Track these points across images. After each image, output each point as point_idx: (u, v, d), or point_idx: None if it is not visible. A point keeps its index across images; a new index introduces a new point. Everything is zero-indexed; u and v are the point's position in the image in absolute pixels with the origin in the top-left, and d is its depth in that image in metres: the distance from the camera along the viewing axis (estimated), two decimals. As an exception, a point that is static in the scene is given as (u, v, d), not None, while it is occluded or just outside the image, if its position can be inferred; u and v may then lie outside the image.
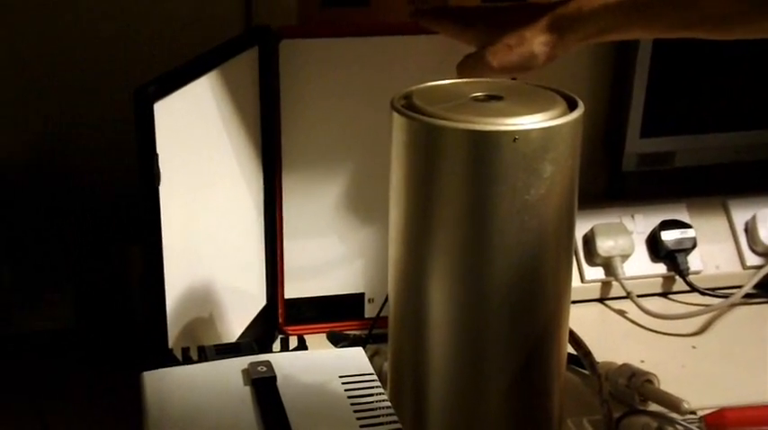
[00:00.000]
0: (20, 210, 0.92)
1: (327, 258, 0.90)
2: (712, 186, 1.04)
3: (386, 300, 0.79)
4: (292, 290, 0.90)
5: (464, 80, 0.63)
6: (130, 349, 0.83)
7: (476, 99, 0.59)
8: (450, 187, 0.57)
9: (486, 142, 0.55)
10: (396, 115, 0.58)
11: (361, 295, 0.92)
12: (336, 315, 0.91)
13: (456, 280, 0.60)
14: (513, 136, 0.54)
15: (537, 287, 0.61)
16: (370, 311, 0.91)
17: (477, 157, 0.55)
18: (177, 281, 0.71)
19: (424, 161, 0.57)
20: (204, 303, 0.77)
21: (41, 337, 0.89)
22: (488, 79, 0.63)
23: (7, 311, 0.88)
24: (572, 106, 0.59)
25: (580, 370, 0.86)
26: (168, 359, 0.60)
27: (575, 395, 0.82)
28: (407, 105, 0.58)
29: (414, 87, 0.61)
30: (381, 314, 0.84)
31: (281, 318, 0.89)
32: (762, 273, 0.97)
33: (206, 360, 0.59)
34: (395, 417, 0.53)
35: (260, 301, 0.88)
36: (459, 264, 0.59)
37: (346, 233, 0.89)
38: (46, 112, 0.92)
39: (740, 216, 1.02)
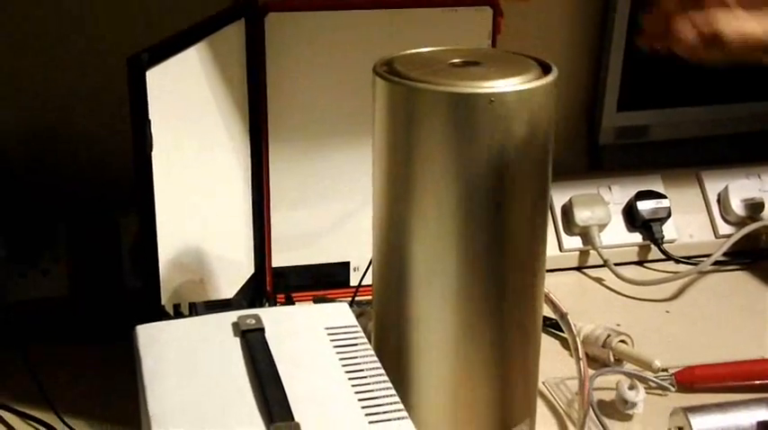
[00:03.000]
0: (14, 181, 0.94)
1: (314, 228, 0.92)
2: (686, 158, 1.07)
3: (369, 264, 0.82)
4: (280, 258, 0.92)
5: (443, 48, 0.66)
6: (122, 315, 0.85)
7: (454, 65, 0.62)
8: (430, 148, 0.59)
9: (464, 104, 0.58)
10: (378, 79, 0.61)
11: (347, 264, 0.94)
12: (323, 283, 0.93)
13: (436, 239, 0.62)
14: (490, 98, 0.57)
15: (514, 247, 0.63)
16: (355, 280, 0.93)
17: (456, 119, 0.58)
18: (168, 248, 0.73)
19: (405, 123, 0.60)
20: (194, 271, 0.79)
21: (35, 306, 0.91)
22: (467, 47, 0.65)
23: (2, 280, 0.90)
24: (547, 72, 0.62)
25: (558, 333, 0.89)
26: (160, 315, 0.63)
27: (552, 358, 0.85)
28: (389, 71, 0.61)
29: (395, 54, 0.64)
30: (366, 281, 0.87)
31: (269, 285, 0.92)
32: (732, 241, 1.01)
33: (197, 315, 0.61)
34: (379, 366, 0.56)
35: (248, 269, 0.91)
36: (438, 224, 0.61)
37: (332, 203, 0.91)
38: (39, 85, 0.93)
39: (713, 187, 1.05)
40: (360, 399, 0.52)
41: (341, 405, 0.52)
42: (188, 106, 0.75)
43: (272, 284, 0.92)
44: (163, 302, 0.68)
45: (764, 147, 1.05)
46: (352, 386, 0.53)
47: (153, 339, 0.57)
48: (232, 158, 0.85)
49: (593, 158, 1.10)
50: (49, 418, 0.76)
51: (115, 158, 0.92)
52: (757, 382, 0.80)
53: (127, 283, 0.91)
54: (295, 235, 0.92)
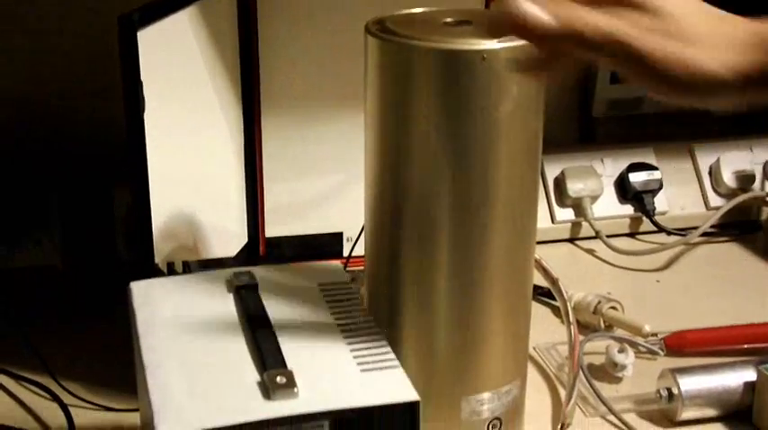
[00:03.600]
0: (6, 149, 0.94)
1: (307, 198, 0.93)
2: (679, 131, 1.08)
3: (361, 231, 0.82)
4: (273, 229, 0.92)
5: (436, 9, 0.66)
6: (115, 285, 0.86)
7: (446, 24, 0.62)
8: (423, 106, 0.60)
9: (457, 61, 0.58)
10: (370, 38, 0.61)
11: (340, 235, 0.95)
12: (316, 254, 0.93)
13: (428, 198, 0.63)
14: (482, 54, 0.57)
15: (505, 206, 0.64)
16: (348, 250, 0.94)
17: (448, 76, 0.58)
18: (160, 216, 0.73)
19: (397, 82, 0.60)
20: (187, 239, 0.80)
21: (27, 274, 0.92)
22: (458, 8, 0.65)
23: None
24: (538, 32, 0.62)
25: (549, 301, 0.90)
26: (154, 273, 0.63)
27: (543, 325, 0.86)
28: (381, 29, 0.61)
29: (388, 15, 0.64)
30: (358, 252, 0.88)
31: (262, 255, 0.92)
32: (721, 212, 1.01)
33: (190, 273, 0.62)
34: (371, 319, 0.56)
35: (241, 239, 0.91)
36: (431, 182, 0.62)
37: (326, 173, 0.92)
38: (29, 52, 0.94)
39: (705, 159, 1.06)
40: (352, 350, 0.53)
41: (333, 355, 0.52)
42: (180, 72, 0.75)
43: (265, 254, 0.92)
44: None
45: (756, 120, 1.05)
46: (345, 338, 0.54)
47: (147, 295, 0.58)
48: (224, 126, 0.85)
49: (586, 131, 1.10)
50: (46, 381, 0.76)
51: (108, 128, 0.92)
52: (746, 346, 0.80)
53: (120, 254, 0.92)
54: (288, 205, 0.92)
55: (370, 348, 0.53)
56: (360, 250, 0.87)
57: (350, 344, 0.53)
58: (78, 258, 0.91)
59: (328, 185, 0.92)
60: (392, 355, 0.52)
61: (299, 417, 0.47)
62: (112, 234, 0.92)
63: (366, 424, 0.49)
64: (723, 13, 0.49)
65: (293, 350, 0.51)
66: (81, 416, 0.72)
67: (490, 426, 0.70)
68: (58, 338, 0.82)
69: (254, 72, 0.86)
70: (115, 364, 0.77)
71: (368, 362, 0.52)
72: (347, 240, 0.95)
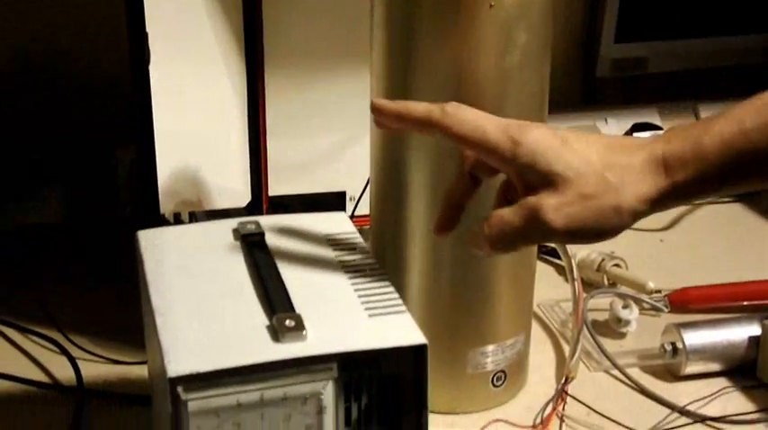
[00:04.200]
0: (11, 108, 0.94)
1: (310, 157, 0.92)
2: (683, 91, 1.08)
3: (366, 184, 0.82)
4: (276, 188, 0.92)
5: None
6: (119, 236, 0.86)
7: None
8: (430, 55, 0.60)
9: (464, 8, 0.58)
10: (377, -14, 0.61)
11: (343, 194, 0.94)
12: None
13: (434, 151, 0.63)
14: (489, 2, 0.57)
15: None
16: (351, 209, 0.94)
17: (456, 24, 0.58)
18: (165, 172, 0.73)
19: (404, 30, 0.60)
20: (191, 196, 0.80)
21: (32, 231, 0.92)
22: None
23: (1, 205, 0.91)
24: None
25: (553, 260, 0.90)
26: (160, 223, 0.63)
27: (547, 283, 0.86)
28: (388, -23, 0.61)
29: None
30: (361, 212, 0.88)
31: (266, 213, 0.92)
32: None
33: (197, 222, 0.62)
34: (378, 266, 0.56)
35: (245, 197, 0.91)
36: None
37: (330, 132, 0.91)
38: (35, 9, 0.93)
39: (709, 120, 1.05)
40: (360, 296, 0.53)
41: (341, 300, 0.52)
42: (184, 27, 0.75)
43: (268, 213, 0.92)
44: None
45: (762, 80, 1.05)
46: (352, 285, 0.54)
47: (154, 243, 0.58)
48: (228, 83, 0.85)
49: (590, 91, 1.10)
50: (54, 336, 0.76)
51: (111, 85, 0.92)
52: (750, 303, 0.81)
53: (123, 211, 0.92)
54: (291, 164, 0.92)
55: (377, 294, 0.53)
56: (363, 210, 0.88)
57: (357, 290, 0.53)
58: (82, 215, 0.91)
59: (332, 144, 0.92)
60: (400, 301, 0.52)
61: (307, 359, 0.47)
62: (116, 191, 0.92)
63: (375, 367, 0.49)
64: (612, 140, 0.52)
65: (301, 296, 0.52)
66: (89, 368, 0.73)
67: (495, 379, 0.70)
68: (64, 294, 0.82)
69: (257, 28, 0.85)
70: (121, 319, 0.77)
71: (376, 308, 0.52)
72: (350, 199, 0.95)
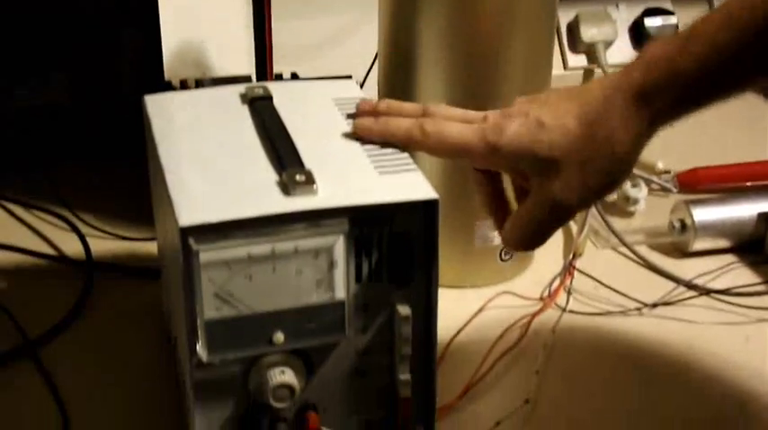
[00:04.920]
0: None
1: (316, 40, 0.91)
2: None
3: (370, 67, 0.81)
4: (280, 70, 0.91)
5: None
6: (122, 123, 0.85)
7: None
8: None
9: None
10: None
11: (349, 77, 0.93)
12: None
13: (447, 29, 0.62)
14: None
15: (521, 41, 0.63)
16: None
17: None
18: (169, 48, 0.72)
19: None
20: (195, 72, 0.79)
21: (40, 112, 0.91)
22: None
23: (8, 87, 0.90)
24: None
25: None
26: (166, 88, 0.62)
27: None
28: None
29: None
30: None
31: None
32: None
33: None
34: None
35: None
36: (448, 22, 0.61)
37: (336, 15, 0.90)
38: None
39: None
40: (369, 156, 0.52)
41: (351, 160, 0.52)
42: None
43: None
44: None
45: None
46: (362, 145, 0.53)
47: (162, 105, 0.57)
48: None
49: (601, -25, 1.07)
50: (62, 213, 0.77)
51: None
52: (758, 183, 0.80)
53: (127, 85, 0.91)
54: (297, 46, 0.91)
55: (387, 154, 0.52)
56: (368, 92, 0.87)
57: (367, 150, 0.53)
58: (89, 95, 0.90)
59: (337, 28, 0.91)
60: (410, 160, 0.52)
61: (318, 212, 0.47)
62: (120, 69, 0.91)
63: (386, 223, 0.49)
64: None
65: (311, 155, 0.51)
66: (97, 244, 0.73)
67: (502, 254, 0.70)
68: (73, 173, 0.82)
69: None
70: (130, 197, 0.78)
71: (386, 166, 0.51)
72: (356, 84, 0.94)
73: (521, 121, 0.51)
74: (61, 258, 0.72)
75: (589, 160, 0.49)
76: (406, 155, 0.53)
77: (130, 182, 0.78)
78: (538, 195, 0.51)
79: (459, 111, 0.54)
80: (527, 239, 0.53)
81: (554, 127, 0.50)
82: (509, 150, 0.51)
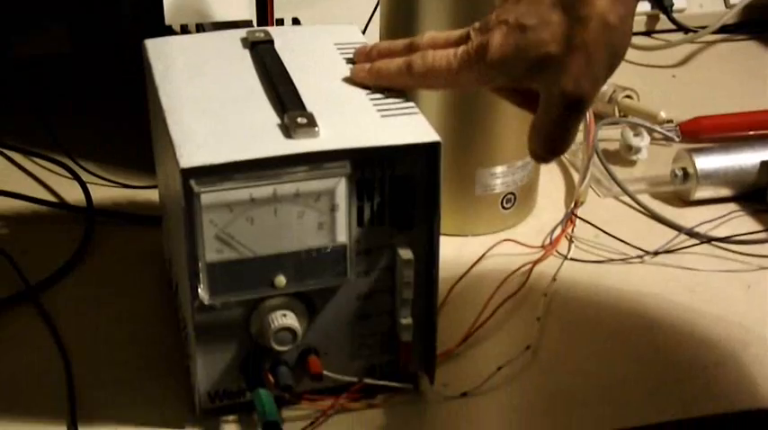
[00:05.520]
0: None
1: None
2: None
3: (372, 15, 0.80)
4: (281, 15, 0.90)
5: None
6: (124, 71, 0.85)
7: None
8: None
9: None
10: None
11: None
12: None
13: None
14: None
15: None
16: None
17: None
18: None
19: None
20: (195, 16, 0.78)
21: (41, 62, 0.90)
22: None
23: (7, 37, 0.89)
24: None
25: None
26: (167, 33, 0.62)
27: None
28: None
29: None
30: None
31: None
32: (739, 6, 0.99)
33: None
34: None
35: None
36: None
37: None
38: None
39: (727, -47, 1.02)
40: (371, 99, 0.52)
41: (353, 103, 0.52)
42: None
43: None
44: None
45: None
46: (363, 89, 0.53)
47: (162, 49, 0.57)
48: None
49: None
50: (62, 159, 0.76)
51: None
52: (761, 132, 0.80)
53: (127, 40, 0.90)
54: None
55: (389, 97, 0.52)
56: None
57: (369, 94, 0.52)
58: (88, 44, 0.90)
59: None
60: (412, 104, 0.52)
61: (320, 154, 0.47)
62: (120, 15, 0.90)
63: (387, 166, 0.49)
64: None
65: (313, 98, 0.51)
66: (98, 192, 0.73)
67: (504, 201, 0.70)
68: (73, 123, 0.82)
69: None
70: (131, 145, 0.77)
71: (388, 110, 0.51)
72: (359, 35, 0.93)
73: (502, 31, 0.49)
74: (62, 205, 0.72)
75: (583, 43, 0.47)
76: (408, 99, 0.52)
77: (131, 130, 0.78)
78: (548, 95, 0.49)
79: (443, 36, 0.52)
80: (551, 143, 0.51)
81: (536, 25, 0.48)
82: (500, 65, 0.49)
